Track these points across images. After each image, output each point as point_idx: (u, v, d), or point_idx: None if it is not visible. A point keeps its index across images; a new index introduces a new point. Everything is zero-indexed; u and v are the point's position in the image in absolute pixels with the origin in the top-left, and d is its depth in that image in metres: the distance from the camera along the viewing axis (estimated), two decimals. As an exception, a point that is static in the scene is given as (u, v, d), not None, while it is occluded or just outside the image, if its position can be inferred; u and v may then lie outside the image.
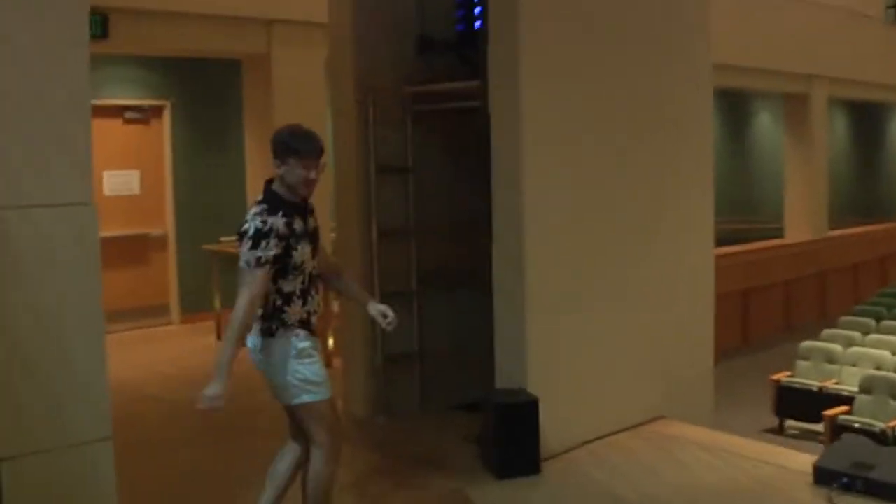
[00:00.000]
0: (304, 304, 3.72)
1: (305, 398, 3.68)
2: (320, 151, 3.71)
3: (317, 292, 3.82)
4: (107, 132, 9.61)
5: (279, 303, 3.64)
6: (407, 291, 6.29)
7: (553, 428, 5.07)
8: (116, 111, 9.71)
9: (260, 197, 3.70)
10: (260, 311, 3.65)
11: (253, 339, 3.70)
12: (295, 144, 3.67)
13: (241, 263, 3.52)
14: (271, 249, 3.51)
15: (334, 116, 6.39)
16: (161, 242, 10.11)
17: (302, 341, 3.69)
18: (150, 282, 10.08)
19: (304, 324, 3.73)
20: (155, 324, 10.01)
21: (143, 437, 5.95)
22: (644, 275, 5.78)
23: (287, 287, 3.64)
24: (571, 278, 5.34)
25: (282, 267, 3.59)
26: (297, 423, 3.80)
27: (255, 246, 3.49)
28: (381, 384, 6.20)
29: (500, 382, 5.19)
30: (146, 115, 9.92)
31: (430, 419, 6.14)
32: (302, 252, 3.65)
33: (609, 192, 5.55)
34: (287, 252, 3.58)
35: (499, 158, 5.15)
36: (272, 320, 3.66)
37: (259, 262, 3.49)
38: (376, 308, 4.08)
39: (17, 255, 3.32)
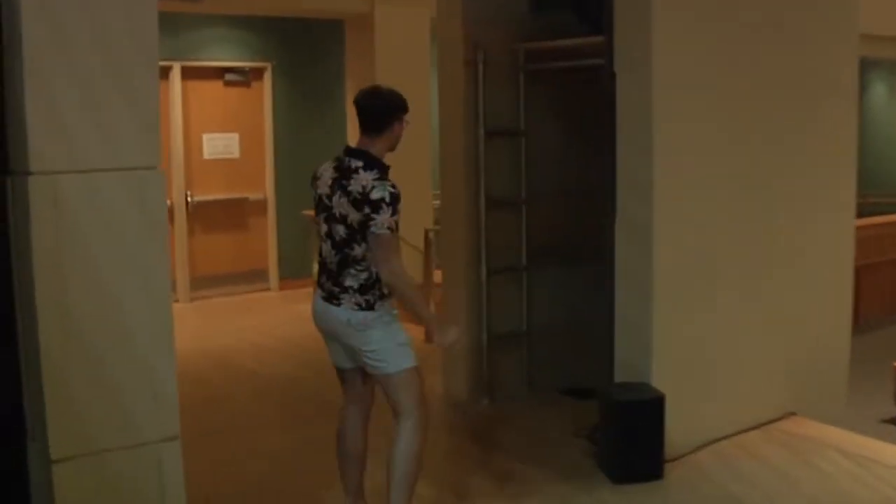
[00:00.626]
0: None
1: (404, 364, 3.62)
2: None
3: None
4: (207, 94, 9.38)
5: (374, 272, 3.56)
6: (516, 266, 5.78)
7: (678, 427, 4.52)
8: (217, 73, 9.43)
9: (359, 163, 3.57)
10: (358, 283, 3.56)
11: (346, 313, 3.58)
12: (405, 102, 3.69)
13: (382, 230, 3.44)
14: (400, 213, 3.53)
15: (440, 77, 5.88)
16: (260, 207, 9.82)
17: (395, 311, 3.68)
18: (249, 247, 9.82)
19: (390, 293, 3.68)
20: (253, 289, 9.78)
21: (227, 420, 5.63)
22: (779, 254, 5.13)
23: None
24: (703, 258, 4.74)
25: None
26: (390, 394, 3.69)
27: (395, 211, 3.46)
28: (485, 365, 5.73)
29: (620, 375, 4.65)
30: (247, 78, 9.60)
31: (537, 405, 5.65)
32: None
33: (746, 162, 4.91)
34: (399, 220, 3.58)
35: (626, 121, 4.57)
36: (371, 292, 3.57)
37: (398, 226, 3.51)
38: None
39: (75, 224, 2.92)
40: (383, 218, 3.44)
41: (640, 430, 4.37)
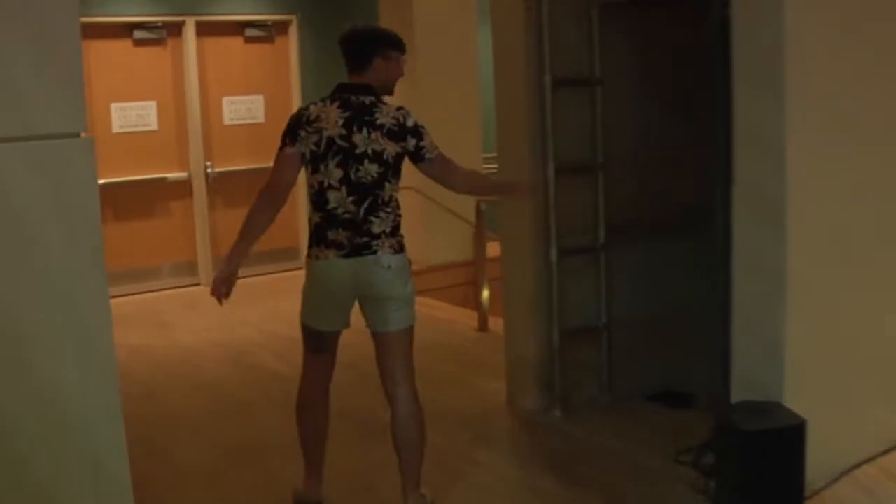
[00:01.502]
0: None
1: (412, 320, 3.47)
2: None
3: None
4: (226, 53, 8.38)
5: (400, 211, 3.42)
6: (592, 246, 4.74)
7: (817, 456, 3.46)
8: (236, 28, 8.42)
9: (370, 97, 3.38)
10: (389, 226, 3.38)
11: (387, 259, 3.33)
12: (399, 39, 3.49)
13: (437, 151, 3.40)
14: None
15: (495, 15, 4.82)
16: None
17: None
18: (278, 221, 8.75)
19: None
20: (282, 269, 8.81)
21: (252, 440, 4.67)
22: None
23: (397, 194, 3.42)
24: (851, 242, 3.66)
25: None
26: (395, 351, 3.44)
27: (428, 133, 3.41)
28: (557, 367, 4.71)
29: (741, 390, 3.58)
30: (270, 33, 8.57)
31: (619, 416, 4.64)
32: None
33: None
34: None
35: (746, 67, 3.47)
36: (399, 234, 3.42)
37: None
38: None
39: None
40: (430, 140, 3.38)
41: (772, 464, 3.32)
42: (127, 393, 5.42)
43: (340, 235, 3.33)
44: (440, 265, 7.80)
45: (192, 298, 7.84)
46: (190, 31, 8.05)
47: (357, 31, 3.50)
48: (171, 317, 7.32)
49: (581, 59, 4.64)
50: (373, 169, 3.29)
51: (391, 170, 3.33)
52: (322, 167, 3.32)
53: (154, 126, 8.08)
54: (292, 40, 8.65)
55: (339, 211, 3.32)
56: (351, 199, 3.31)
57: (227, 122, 8.44)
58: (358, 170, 3.29)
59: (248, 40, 8.48)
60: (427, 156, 3.37)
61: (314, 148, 3.32)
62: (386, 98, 3.45)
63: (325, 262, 3.36)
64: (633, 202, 4.80)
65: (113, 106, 7.79)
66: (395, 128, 3.30)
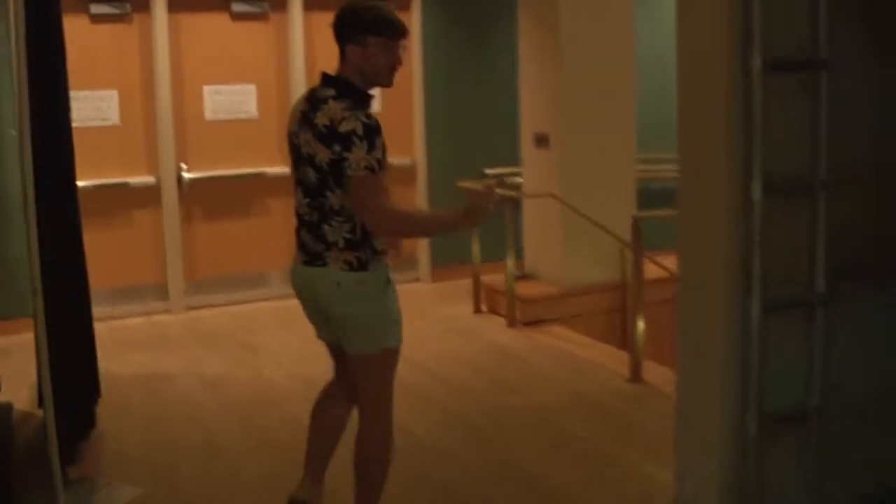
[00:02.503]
0: None
1: (392, 343, 3.15)
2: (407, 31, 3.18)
3: None
4: (207, 32, 7.19)
5: (357, 223, 3.02)
6: (806, 298, 3.39)
7: None
8: (221, 2, 7.22)
9: (330, 91, 3.03)
10: (344, 238, 3.04)
11: (335, 275, 3.04)
12: (383, 21, 3.06)
13: (358, 171, 2.88)
14: (383, 147, 2.95)
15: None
16: (408, 175, 7.78)
17: (390, 272, 3.17)
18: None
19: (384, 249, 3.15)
20: (399, 280, 7.68)
21: None
22: None
23: None
24: None
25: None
26: (359, 376, 3.16)
27: (372, 146, 2.89)
28: (753, 461, 3.38)
29: None
30: (263, 9, 7.37)
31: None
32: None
33: None
34: (385, 152, 2.98)
35: None
36: (362, 248, 3.05)
37: (381, 165, 2.93)
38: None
39: None
40: (358, 155, 2.92)
41: None
42: (186, 443, 4.46)
43: (304, 238, 3.17)
44: (581, 288, 6.54)
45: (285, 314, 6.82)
46: (160, 5, 6.87)
47: (340, 13, 3.12)
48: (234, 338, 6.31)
49: (800, 32, 3.30)
50: (311, 174, 3.05)
51: (330, 178, 2.99)
52: (293, 164, 3.19)
53: (115, 120, 6.94)
54: (414, 17, 7.52)
55: (300, 212, 3.17)
56: (306, 201, 3.13)
57: (209, 116, 7.28)
58: (304, 172, 3.09)
59: (237, 17, 7.25)
60: (346, 171, 2.93)
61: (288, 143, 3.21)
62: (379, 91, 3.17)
63: (294, 267, 3.24)
64: (865, 236, 3.43)
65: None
66: (325, 130, 2.97)
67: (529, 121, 6.82)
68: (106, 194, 6.85)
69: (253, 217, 7.43)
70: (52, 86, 4.66)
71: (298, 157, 3.10)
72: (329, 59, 3.29)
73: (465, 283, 7.40)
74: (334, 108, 2.96)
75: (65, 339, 4.07)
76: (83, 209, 4.68)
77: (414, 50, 7.49)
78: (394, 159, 7.49)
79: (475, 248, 6.86)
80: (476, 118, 7.82)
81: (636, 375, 5.19)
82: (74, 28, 6.49)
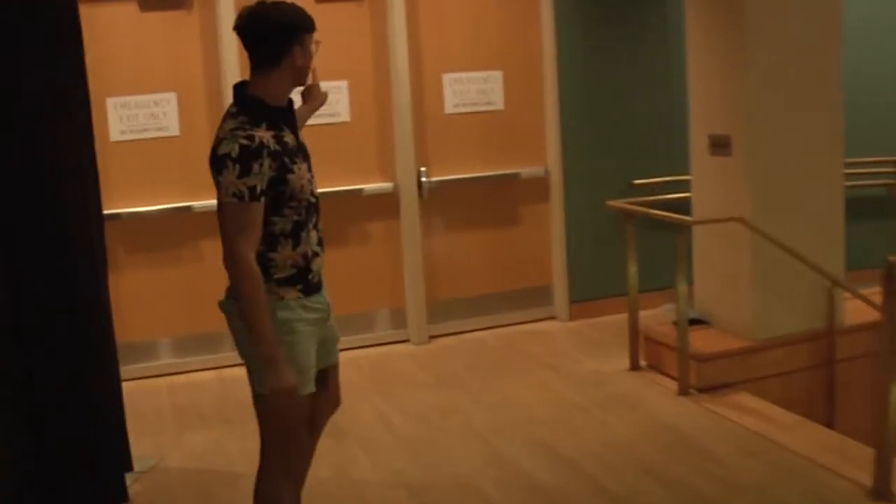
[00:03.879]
0: (297, 244, 2.76)
1: (258, 387, 2.74)
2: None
3: (316, 225, 2.84)
4: (446, 9, 5.87)
5: (261, 249, 2.69)
6: None
7: None
8: None
9: (232, 108, 2.74)
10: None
11: (226, 301, 2.79)
12: (296, 19, 2.75)
13: (227, 197, 2.60)
14: (266, 173, 2.60)
15: None
16: (539, 188, 6.27)
17: (286, 309, 2.74)
18: (520, 250, 6.29)
19: (299, 275, 2.77)
20: (526, 318, 6.30)
21: None
22: None
23: (279, 225, 2.71)
24: None
25: (274, 197, 2.66)
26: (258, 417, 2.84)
27: (245, 171, 2.58)
28: None
29: None
30: None
31: None
32: (300, 173, 2.71)
33: None
34: (282, 176, 2.65)
35: None
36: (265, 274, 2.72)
37: (254, 194, 2.59)
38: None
39: None
40: (227, 180, 2.59)
41: None
42: None
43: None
44: (776, 340, 4.93)
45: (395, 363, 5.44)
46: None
47: (262, 14, 2.74)
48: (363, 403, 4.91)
49: None
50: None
51: None
52: None
53: (345, 116, 5.68)
54: (545, -9, 6.04)
55: None
56: None
57: (449, 109, 5.96)
58: None
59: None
60: (224, 199, 2.61)
61: None
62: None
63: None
64: None
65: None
66: (215, 155, 2.64)
67: (702, 119, 5.20)
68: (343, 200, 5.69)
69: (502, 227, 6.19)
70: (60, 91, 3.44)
71: None
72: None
73: (612, 323, 5.95)
74: (223, 129, 2.68)
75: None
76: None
77: (545, 32, 5.99)
78: (521, 169, 6.17)
79: (632, 276, 5.29)
80: (623, 116, 6.26)
81: (884, 488, 3.55)
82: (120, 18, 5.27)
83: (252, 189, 2.59)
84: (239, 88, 2.78)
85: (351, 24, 5.68)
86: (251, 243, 2.61)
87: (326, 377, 2.96)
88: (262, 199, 2.63)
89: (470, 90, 5.96)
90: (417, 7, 5.77)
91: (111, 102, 5.26)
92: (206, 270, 5.54)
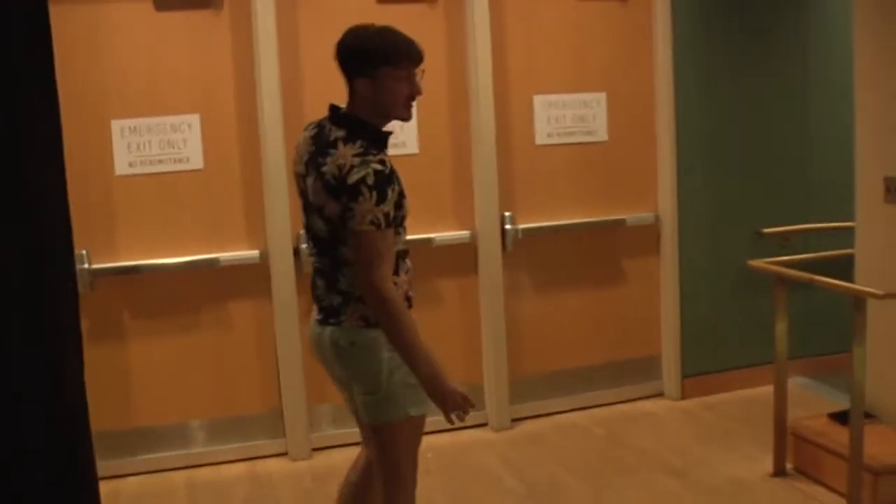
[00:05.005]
0: (406, 271, 2.80)
1: (412, 411, 2.76)
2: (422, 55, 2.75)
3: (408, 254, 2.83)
4: (536, 18, 4.78)
5: None
6: None
7: None
8: None
9: (340, 132, 2.69)
10: (344, 290, 2.75)
11: (350, 333, 2.74)
12: (395, 48, 2.68)
13: (363, 226, 2.56)
14: (393, 199, 2.61)
15: None
16: (647, 237, 5.14)
17: None
18: (624, 312, 5.15)
19: (407, 302, 2.76)
20: (628, 395, 5.18)
21: None
22: None
23: (395, 250, 2.69)
24: None
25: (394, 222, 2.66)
26: (379, 448, 2.82)
27: (382, 197, 2.57)
28: None
29: None
30: None
31: None
32: (406, 199, 2.71)
33: None
34: (401, 201, 2.66)
35: None
36: (360, 304, 2.73)
37: (389, 220, 2.60)
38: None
39: None
40: (364, 208, 2.56)
41: None
42: None
43: (318, 289, 2.86)
44: None
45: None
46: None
47: (343, 41, 2.74)
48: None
49: None
50: (321, 225, 2.72)
51: (342, 230, 2.64)
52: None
53: (412, 146, 4.56)
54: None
55: (312, 260, 2.88)
56: (315, 249, 2.82)
57: (541, 140, 4.82)
58: (313, 221, 2.76)
59: (582, -1, 4.89)
60: (349, 225, 2.59)
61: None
62: (394, 125, 2.75)
63: (312, 324, 2.89)
64: None
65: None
66: (334, 181, 2.63)
67: (874, 157, 4.03)
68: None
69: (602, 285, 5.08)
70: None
71: (307, 203, 2.79)
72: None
73: (733, 404, 4.91)
74: (344, 155, 2.63)
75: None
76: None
77: (659, 45, 4.84)
78: (627, 214, 5.05)
79: (780, 355, 4.09)
80: (753, 150, 5.09)
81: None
82: (130, 19, 4.22)
83: (387, 215, 2.58)
84: (336, 110, 2.76)
85: (420, 29, 4.57)
86: (390, 270, 2.62)
87: None
88: (394, 226, 2.64)
89: (566, 116, 4.84)
90: (504, 9, 4.67)
91: (117, 126, 4.21)
92: (235, 340, 4.47)
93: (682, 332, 5.09)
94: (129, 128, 4.23)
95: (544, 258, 4.89)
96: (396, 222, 2.64)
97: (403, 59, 2.68)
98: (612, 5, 4.88)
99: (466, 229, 4.72)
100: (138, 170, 4.26)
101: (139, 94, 4.24)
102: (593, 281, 5.00)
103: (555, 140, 4.83)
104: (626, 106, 4.94)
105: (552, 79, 4.81)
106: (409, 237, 4.62)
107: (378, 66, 2.65)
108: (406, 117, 2.78)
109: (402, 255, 2.77)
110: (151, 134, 4.26)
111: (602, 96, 4.87)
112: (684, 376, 5.12)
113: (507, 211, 4.72)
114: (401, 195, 2.64)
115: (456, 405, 2.63)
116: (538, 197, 4.83)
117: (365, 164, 2.57)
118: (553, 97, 4.79)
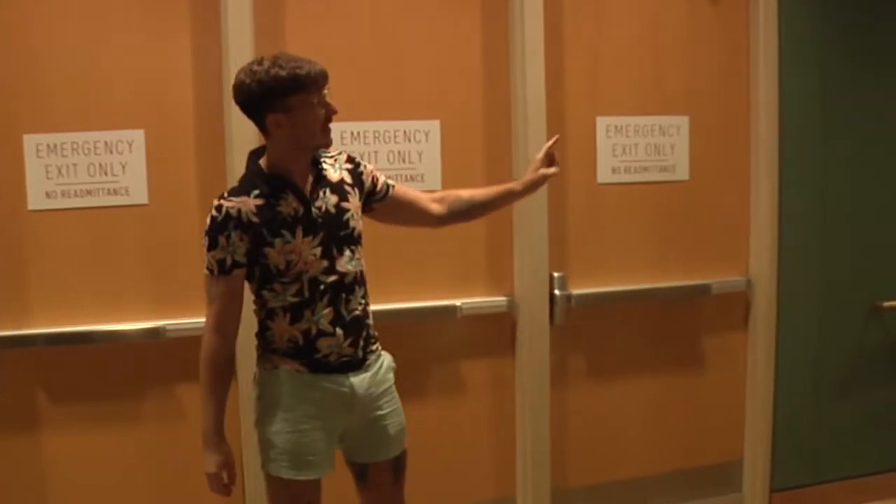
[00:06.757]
0: (296, 320, 2.60)
1: (270, 467, 2.65)
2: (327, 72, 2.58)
3: (332, 303, 2.60)
4: (600, 19, 3.67)
5: (262, 317, 2.68)
6: None
7: None
8: None
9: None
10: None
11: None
12: (299, 74, 2.49)
13: (204, 269, 2.59)
14: (237, 245, 2.52)
15: None
16: (734, 309, 4.02)
17: (273, 379, 2.63)
18: (700, 407, 4.05)
19: (300, 351, 2.61)
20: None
21: None
22: None
23: (272, 301, 2.61)
24: None
25: (261, 270, 2.57)
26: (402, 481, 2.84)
27: (211, 244, 2.54)
28: None
29: None
30: None
31: None
32: (284, 248, 2.54)
33: None
34: (257, 249, 2.53)
35: None
36: (259, 344, 2.73)
37: (223, 267, 2.54)
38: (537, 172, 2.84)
39: None
40: (204, 253, 2.58)
41: None
42: None
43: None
44: None
45: None
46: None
47: (238, 83, 2.57)
48: None
49: None
50: None
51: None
52: None
53: (433, 181, 3.45)
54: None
55: None
56: None
57: (605, 179, 3.72)
58: None
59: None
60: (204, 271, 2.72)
61: None
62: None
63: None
64: None
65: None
66: None
67: None
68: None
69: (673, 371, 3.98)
70: None
71: None
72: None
73: None
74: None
75: None
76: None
77: (762, 61, 3.69)
78: (711, 279, 3.94)
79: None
80: (874, 199, 4.03)
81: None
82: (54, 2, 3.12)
83: (221, 262, 2.53)
84: (251, 155, 2.70)
85: (449, 34, 3.48)
86: (225, 317, 2.57)
87: (368, 473, 2.74)
88: (238, 271, 2.56)
89: (637, 146, 3.72)
90: (562, 8, 3.57)
91: (31, 142, 3.07)
92: (186, 431, 3.31)
93: (773, 432, 4.02)
94: (48, 145, 3.09)
95: (602, 334, 3.76)
96: (263, 272, 2.56)
97: (311, 83, 2.53)
98: (700, 2, 3.80)
99: (503, 294, 3.61)
100: (59, 203, 3.13)
101: (63, 100, 3.10)
102: (663, 365, 3.88)
103: (621, 177, 3.70)
104: (714, 134, 3.84)
105: (620, 96, 3.70)
106: (425, 304, 3.57)
107: (287, 96, 2.49)
108: (328, 142, 2.64)
109: (290, 308, 2.61)
110: (78, 155, 3.12)
111: (684, 121, 3.76)
112: (773, 490, 4.06)
113: (557, 271, 3.60)
114: (258, 243, 2.51)
115: (212, 485, 2.62)
116: (597, 253, 3.72)
117: (211, 208, 2.56)
118: (621, 119, 3.67)
